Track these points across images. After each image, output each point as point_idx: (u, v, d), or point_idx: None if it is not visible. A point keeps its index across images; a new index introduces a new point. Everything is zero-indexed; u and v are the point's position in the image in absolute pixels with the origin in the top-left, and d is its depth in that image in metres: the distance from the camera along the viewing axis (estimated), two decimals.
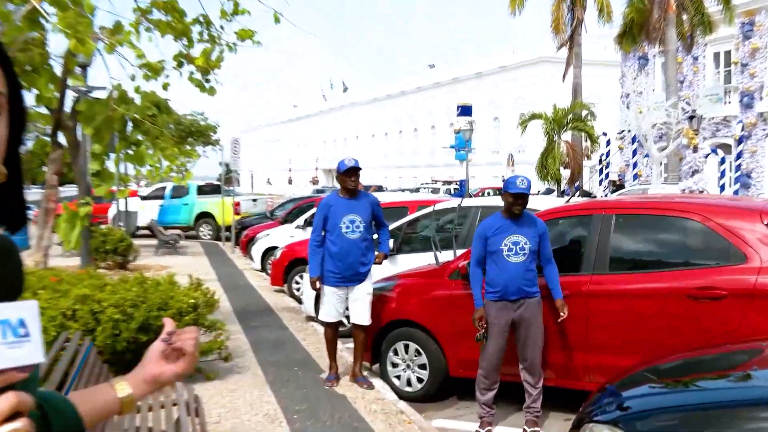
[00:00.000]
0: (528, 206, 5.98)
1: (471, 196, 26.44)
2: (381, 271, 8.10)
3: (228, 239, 22.75)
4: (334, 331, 7.34)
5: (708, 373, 3.97)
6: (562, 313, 5.80)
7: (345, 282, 7.09)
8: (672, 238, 5.93)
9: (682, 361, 4.28)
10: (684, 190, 23.12)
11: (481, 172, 64.57)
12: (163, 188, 26.95)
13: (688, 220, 5.69)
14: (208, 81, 9.42)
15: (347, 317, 7.69)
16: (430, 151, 76.05)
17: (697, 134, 29.95)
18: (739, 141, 33.80)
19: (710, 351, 4.50)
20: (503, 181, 6.09)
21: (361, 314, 7.16)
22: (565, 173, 34.19)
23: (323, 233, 7.11)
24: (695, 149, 33.03)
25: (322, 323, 7.53)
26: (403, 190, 35.17)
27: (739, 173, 33.38)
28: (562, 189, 32.70)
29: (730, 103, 35.46)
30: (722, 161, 30.98)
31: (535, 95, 58.19)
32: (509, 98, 64.00)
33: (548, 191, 37.39)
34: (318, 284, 7.16)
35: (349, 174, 7.01)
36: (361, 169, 7.12)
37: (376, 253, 7.30)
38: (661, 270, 5.70)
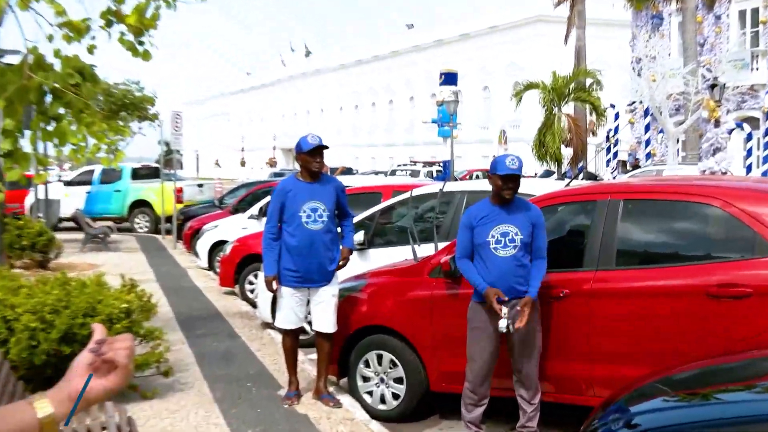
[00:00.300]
0: (521, 191, 6.01)
1: (456, 180, 26.52)
2: (349, 269, 8.10)
3: (168, 232, 22.59)
4: (293, 340, 7.34)
5: (730, 383, 4.02)
6: (518, 320, 5.70)
7: (306, 282, 7.08)
8: (689, 228, 6.00)
9: (699, 370, 4.33)
10: (704, 171, 23.34)
11: (469, 152, 64.71)
12: (91, 172, 26.71)
13: (708, 207, 5.74)
14: (141, 43, 9.31)
15: (310, 323, 7.69)
16: (408, 127, 76.13)
17: (719, 106, 30.26)
18: None
19: (732, 358, 4.55)
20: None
21: (325, 320, 7.16)
22: (567, 152, 34.40)
23: (279, 224, 7.09)
24: (717, 123, 33.38)
25: (280, 331, 7.52)
26: (376, 173, 35.18)
27: (767, 151, 33.76)
28: (563, 171, 32.87)
29: (757, 69, 35.82)
30: (749, 137, 31.31)
31: (532, 61, 58.42)
32: (501, 64, 64.19)
33: (547, 173, 37.57)
34: (274, 284, 7.14)
35: (312, 154, 6.98)
36: (327, 147, 7.10)
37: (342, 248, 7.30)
38: (676, 265, 5.75)
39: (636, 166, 34.29)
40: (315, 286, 7.11)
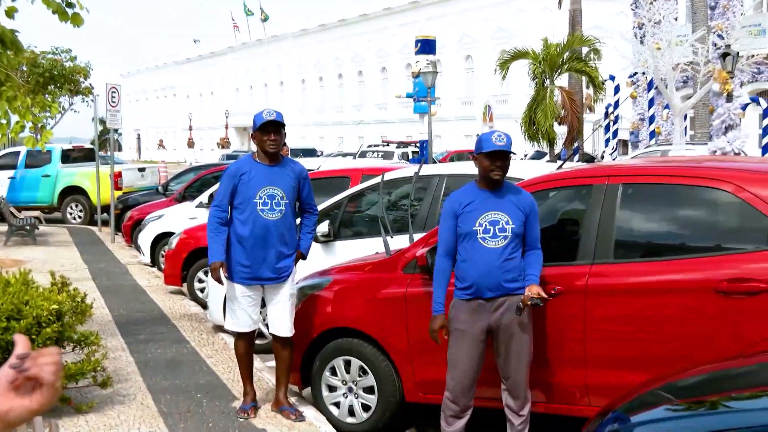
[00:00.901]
0: (508, 174, 6.04)
1: (435, 162, 26.55)
2: (313, 264, 8.12)
3: (106, 223, 22.46)
4: (247, 345, 7.34)
5: (741, 390, 4.07)
6: (534, 296, 5.71)
7: (258, 279, 7.08)
8: (697, 215, 6.05)
9: (706, 375, 4.39)
10: (715, 151, 23.52)
11: (450, 130, 64.88)
12: (15, 154, 26.48)
13: (718, 191, 5.79)
14: (71, 5, 9.23)
15: (268, 326, 7.70)
16: (380, 102, 76.08)
17: (732, 78, 30.50)
18: None
19: (743, 362, 4.62)
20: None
21: (281, 323, 7.16)
22: (561, 131, 34.50)
23: (230, 209, 7.08)
24: (730, 98, 33.61)
25: (233, 334, 7.52)
26: (344, 155, 35.12)
27: None
28: (556, 152, 33.00)
29: None
30: (765, 114, 31.60)
31: (521, 27, 58.56)
32: (486, 30, 64.28)
33: (538, 155, 37.73)
34: (222, 273, 7.11)
35: (267, 130, 6.96)
36: (284, 125, 7.09)
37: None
38: (681, 257, 5.80)
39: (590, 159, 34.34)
40: (269, 283, 7.10)
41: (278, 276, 7.08)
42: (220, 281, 7.11)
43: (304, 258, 7.39)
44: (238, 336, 7.34)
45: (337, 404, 7.19)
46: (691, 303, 5.62)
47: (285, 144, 20.15)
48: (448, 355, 6.07)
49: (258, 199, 6.95)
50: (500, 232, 5.85)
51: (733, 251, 5.66)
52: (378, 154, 36.49)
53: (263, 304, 7.29)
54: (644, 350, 5.77)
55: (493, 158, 5.84)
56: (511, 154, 5.95)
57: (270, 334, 7.48)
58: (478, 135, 6.77)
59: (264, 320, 7.85)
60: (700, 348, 5.52)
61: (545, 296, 5.75)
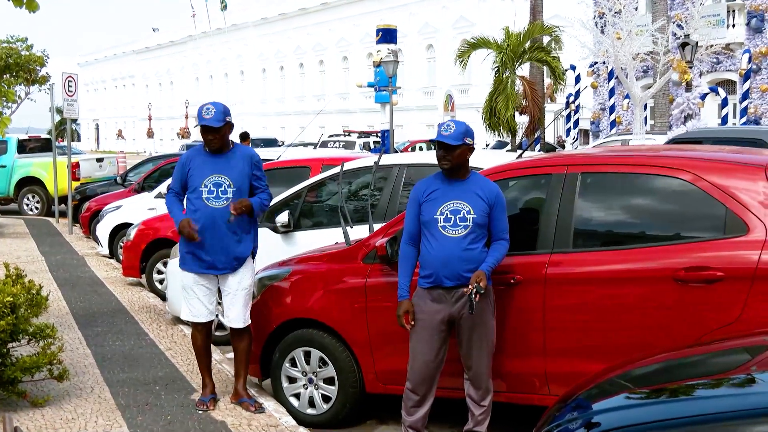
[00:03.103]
0: (471, 165, 6.06)
1: (397, 153, 26.55)
2: (272, 254, 8.09)
3: (63, 214, 22.26)
4: (204, 336, 7.31)
5: (699, 378, 4.10)
6: (472, 286, 5.66)
7: (210, 268, 7.05)
8: (655, 204, 6.09)
9: (664, 363, 4.42)
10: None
11: (411, 120, 64.94)
12: None
13: (676, 180, 5.84)
14: None
15: None
16: (341, 92, 75.97)
17: (691, 67, 30.77)
18: (746, 76, 34.90)
19: (700, 350, 4.65)
20: None
21: (236, 314, 7.14)
22: (522, 120, 34.63)
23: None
24: (689, 87, 33.95)
25: (190, 325, 7.47)
26: (304, 145, 35.03)
27: (745, 118, 34.51)
28: (518, 141, 33.13)
29: (734, 26, 36.53)
30: (724, 103, 31.99)
31: (483, 16, 58.70)
32: (447, 19, 64.35)
33: (499, 144, 37.83)
34: (192, 226, 6.92)
35: (204, 129, 6.97)
36: (218, 129, 6.95)
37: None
38: (640, 246, 5.84)
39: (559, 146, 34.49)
40: (221, 272, 7.07)
41: (228, 266, 7.05)
42: (192, 236, 6.93)
43: (254, 255, 7.25)
44: (195, 327, 7.30)
45: (297, 395, 7.18)
46: (649, 292, 5.67)
47: (247, 136, 20.11)
48: (410, 345, 6.08)
49: (204, 188, 6.97)
50: (461, 221, 5.86)
51: (691, 240, 5.70)
52: (339, 144, 36.41)
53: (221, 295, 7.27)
54: (603, 339, 5.82)
55: (439, 148, 5.90)
56: (465, 144, 5.92)
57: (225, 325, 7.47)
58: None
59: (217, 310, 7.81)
60: (658, 336, 5.57)
61: (483, 284, 5.69)
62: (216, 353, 8.70)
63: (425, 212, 5.95)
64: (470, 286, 5.67)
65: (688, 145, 10.00)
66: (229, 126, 7.04)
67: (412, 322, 5.96)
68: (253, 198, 7.11)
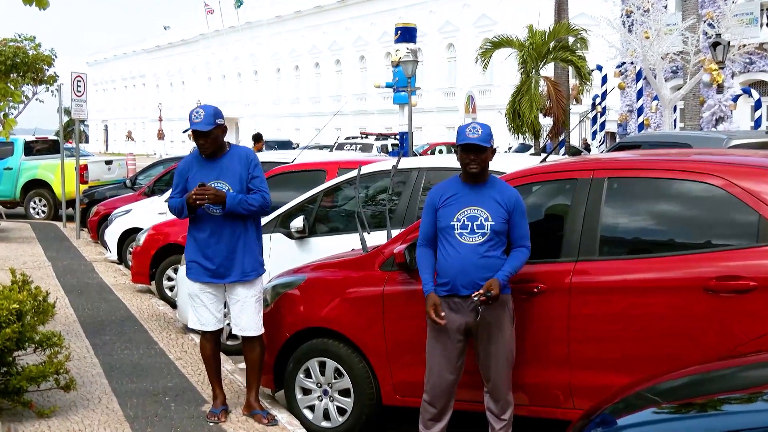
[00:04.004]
0: (492, 168, 6.05)
1: (416, 155, 26.54)
2: (286, 261, 8.09)
3: (71, 219, 22.34)
4: (213, 345, 7.32)
5: (730, 392, 4.09)
6: (481, 292, 5.71)
7: (217, 277, 7.07)
8: (684, 211, 6.07)
9: (693, 377, 4.40)
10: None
11: (431, 122, 64.96)
12: None
13: (706, 185, 5.82)
14: None
15: None
16: (358, 93, 76.03)
17: (722, 68, 30.63)
18: None
19: (731, 362, 4.63)
20: None
21: (246, 322, 7.15)
22: (546, 122, 34.57)
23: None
24: (720, 89, 33.78)
25: (198, 334, 7.49)
26: (320, 148, 35.07)
27: None
28: (542, 144, 33.07)
29: None
30: (757, 105, 31.79)
31: (505, 14, 58.65)
32: (468, 17, 64.36)
33: (523, 147, 37.79)
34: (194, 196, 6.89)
35: (195, 133, 6.96)
36: (207, 133, 6.94)
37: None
38: (669, 254, 5.82)
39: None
40: (228, 281, 7.08)
41: (235, 275, 7.05)
42: (193, 202, 6.88)
43: (224, 202, 6.90)
44: (203, 336, 7.32)
45: (311, 408, 7.18)
46: (678, 302, 5.64)
47: (261, 137, 20.13)
48: (426, 356, 6.09)
49: None
50: (478, 228, 5.87)
51: (723, 248, 5.67)
52: (356, 147, 36.41)
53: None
54: (630, 351, 5.79)
55: (466, 151, 5.87)
56: (491, 147, 5.96)
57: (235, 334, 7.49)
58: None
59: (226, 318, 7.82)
60: (687, 348, 5.54)
61: (494, 292, 5.71)
62: (228, 363, 8.71)
63: (442, 218, 5.96)
64: (479, 292, 5.68)
65: (719, 150, 9.94)
66: (221, 129, 7.00)
67: (443, 314, 5.91)
68: (237, 194, 6.97)
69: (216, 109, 7.06)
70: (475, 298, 5.71)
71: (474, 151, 5.87)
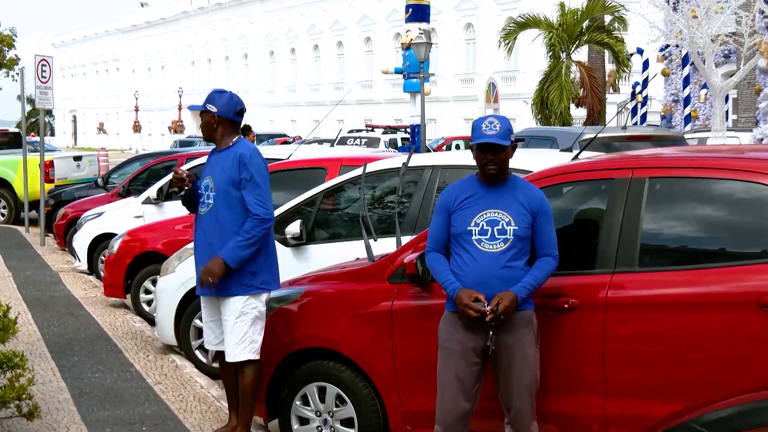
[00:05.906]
0: (513, 166, 6.05)
1: (429, 151, 26.53)
2: (280, 271, 8.11)
3: (34, 222, 22.38)
4: (223, 366, 7.45)
5: None
6: (489, 308, 5.66)
7: (204, 288, 7.13)
8: (737, 216, 6.05)
9: (746, 406, 4.41)
10: (761, 139, 23.64)
11: (447, 113, 64.95)
12: None
13: (763, 186, 5.81)
14: None
15: None
16: (363, 80, 76.07)
17: None
18: None
19: None
20: None
21: (227, 344, 7.20)
22: (579, 114, 34.55)
23: None
24: None
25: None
26: (320, 142, 35.11)
27: None
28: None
29: None
30: None
31: None
32: None
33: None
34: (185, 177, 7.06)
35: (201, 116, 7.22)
36: (204, 109, 7.08)
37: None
38: (719, 265, 5.81)
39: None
40: (218, 294, 7.12)
41: (220, 286, 7.07)
42: (182, 183, 7.04)
43: (222, 270, 6.99)
44: (217, 353, 7.47)
45: None
46: (729, 320, 5.62)
47: (250, 129, 20.20)
48: (437, 380, 6.07)
49: (202, 191, 7.17)
50: (499, 234, 5.84)
51: None
52: (361, 141, 36.43)
53: None
54: (674, 376, 5.78)
55: (484, 150, 5.87)
56: (512, 143, 5.93)
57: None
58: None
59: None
60: (739, 374, 5.52)
61: (503, 307, 5.66)
62: (213, 388, 8.74)
63: (457, 223, 5.92)
64: (486, 309, 5.63)
65: None
66: (209, 115, 7.12)
67: (487, 309, 5.72)
68: (225, 249, 6.98)
69: (215, 92, 7.14)
70: (485, 316, 5.66)
71: (492, 150, 5.83)
